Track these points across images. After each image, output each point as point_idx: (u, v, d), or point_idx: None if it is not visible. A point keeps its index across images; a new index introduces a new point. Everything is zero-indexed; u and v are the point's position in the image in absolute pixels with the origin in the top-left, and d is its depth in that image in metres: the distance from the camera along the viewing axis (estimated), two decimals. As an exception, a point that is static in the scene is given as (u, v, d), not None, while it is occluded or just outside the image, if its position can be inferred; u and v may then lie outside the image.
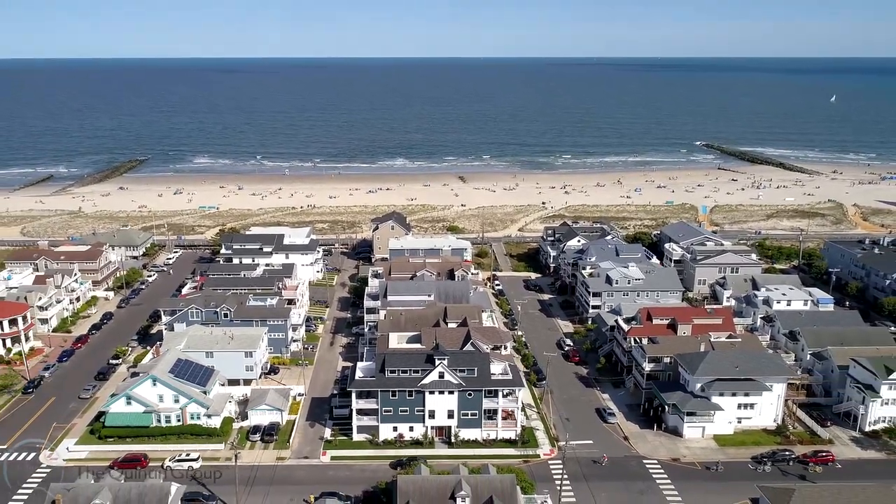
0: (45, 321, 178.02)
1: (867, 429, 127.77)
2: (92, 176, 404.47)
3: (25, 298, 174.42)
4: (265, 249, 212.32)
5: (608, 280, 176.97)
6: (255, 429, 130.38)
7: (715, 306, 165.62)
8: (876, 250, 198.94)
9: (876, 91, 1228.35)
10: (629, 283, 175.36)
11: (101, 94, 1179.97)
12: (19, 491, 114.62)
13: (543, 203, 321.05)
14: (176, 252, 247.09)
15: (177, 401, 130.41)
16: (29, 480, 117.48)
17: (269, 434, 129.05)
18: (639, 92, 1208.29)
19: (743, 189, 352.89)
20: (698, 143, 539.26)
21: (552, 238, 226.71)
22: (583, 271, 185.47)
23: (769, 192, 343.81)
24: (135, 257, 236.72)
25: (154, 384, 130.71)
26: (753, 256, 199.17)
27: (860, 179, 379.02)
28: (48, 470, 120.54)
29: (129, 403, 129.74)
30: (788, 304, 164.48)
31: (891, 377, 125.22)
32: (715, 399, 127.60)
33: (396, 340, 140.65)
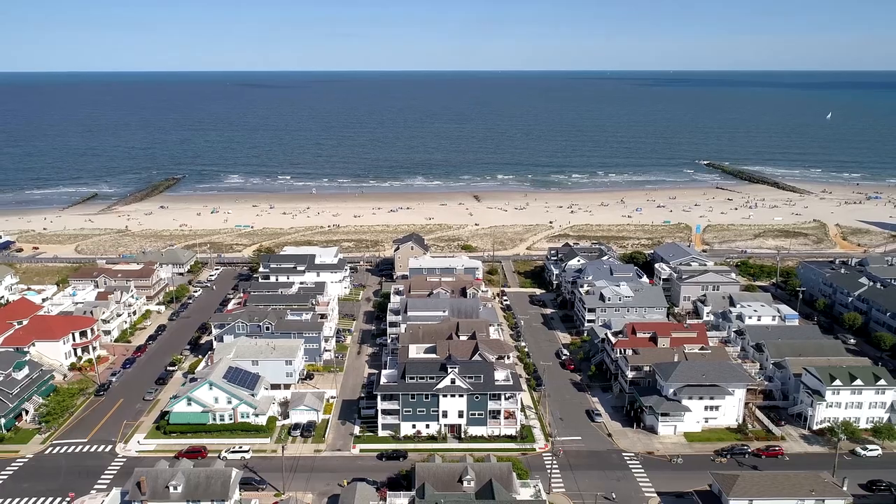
0: (107, 332, 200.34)
1: (815, 427, 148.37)
2: (134, 195, 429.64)
3: (91, 312, 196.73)
4: (299, 268, 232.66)
5: (602, 297, 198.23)
6: (296, 426, 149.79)
7: (693, 321, 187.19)
8: (843, 270, 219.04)
9: (878, 106, 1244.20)
10: (620, 300, 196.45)
11: (132, 109, 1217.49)
12: (102, 476, 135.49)
13: (550, 222, 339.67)
14: (217, 269, 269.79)
15: (229, 402, 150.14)
16: (110, 467, 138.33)
17: (308, 430, 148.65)
18: (649, 108, 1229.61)
19: (736, 209, 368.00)
20: (702, 161, 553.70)
21: (555, 258, 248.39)
22: (580, 289, 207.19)
23: (760, 212, 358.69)
24: (181, 274, 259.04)
25: (210, 388, 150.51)
26: (733, 275, 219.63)
27: (847, 199, 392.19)
28: (124, 459, 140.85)
29: (189, 404, 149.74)
30: (759, 319, 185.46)
31: (834, 384, 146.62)
32: (685, 402, 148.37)
33: (415, 351, 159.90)
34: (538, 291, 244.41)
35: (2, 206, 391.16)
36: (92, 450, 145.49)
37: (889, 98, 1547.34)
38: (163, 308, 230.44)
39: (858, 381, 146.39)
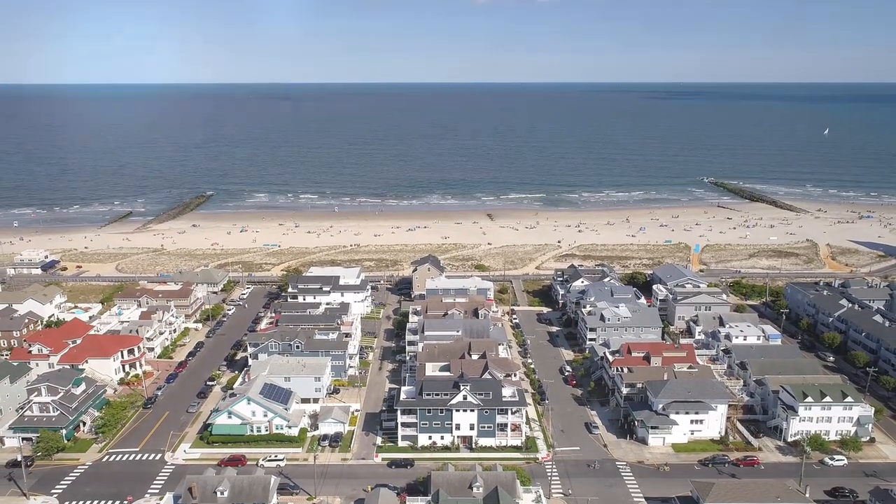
0: (151, 349, 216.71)
1: (789, 439, 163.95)
2: (167, 213, 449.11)
3: (137, 331, 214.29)
4: (324, 289, 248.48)
5: (602, 318, 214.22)
6: (325, 437, 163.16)
7: (686, 340, 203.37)
8: (825, 292, 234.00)
9: (880, 121, 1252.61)
10: (619, 321, 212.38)
11: (159, 124, 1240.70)
12: (154, 481, 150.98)
13: (558, 242, 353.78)
14: (248, 288, 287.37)
15: (265, 415, 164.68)
16: (160, 474, 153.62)
17: (335, 441, 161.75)
18: (660, 122, 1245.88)
19: (734, 228, 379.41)
20: (707, 179, 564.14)
21: (561, 278, 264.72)
22: (583, 309, 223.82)
23: (756, 231, 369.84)
24: (215, 293, 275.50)
25: (248, 403, 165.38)
26: (724, 296, 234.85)
27: (840, 218, 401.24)
28: (172, 467, 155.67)
29: (230, 417, 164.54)
30: (745, 339, 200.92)
31: (806, 400, 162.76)
32: (673, 416, 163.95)
33: (431, 369, 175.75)
34: (545, 310, 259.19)
35: (43, 224, 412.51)
36: (143, 458, 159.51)
37: (891, 112, 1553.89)
38: (200, 326, 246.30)
39: (828, 398, 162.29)
